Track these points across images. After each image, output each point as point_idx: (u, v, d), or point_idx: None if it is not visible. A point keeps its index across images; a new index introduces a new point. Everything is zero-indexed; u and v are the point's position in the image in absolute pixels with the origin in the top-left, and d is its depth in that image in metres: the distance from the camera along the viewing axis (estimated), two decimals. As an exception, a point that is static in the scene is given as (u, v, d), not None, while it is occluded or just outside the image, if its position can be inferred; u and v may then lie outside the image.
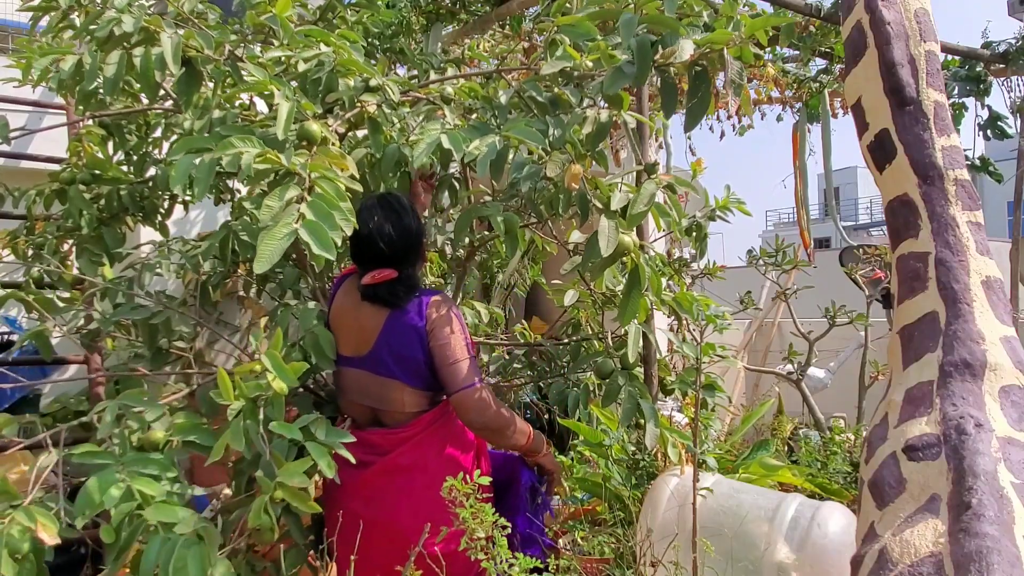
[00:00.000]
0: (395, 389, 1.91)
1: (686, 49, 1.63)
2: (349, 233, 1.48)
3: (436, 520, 1.77)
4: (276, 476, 1.59)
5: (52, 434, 1.74)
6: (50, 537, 1.47)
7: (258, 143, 1.55)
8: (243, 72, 1.96)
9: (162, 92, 2.18)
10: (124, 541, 1.53)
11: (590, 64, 1.85)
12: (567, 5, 2.10)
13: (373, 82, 1.91)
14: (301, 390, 2.09)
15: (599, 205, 1.84)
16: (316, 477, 1.70)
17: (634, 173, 2.16)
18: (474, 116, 2.14)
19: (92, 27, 1.86)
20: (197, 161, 1.59)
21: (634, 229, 1.86)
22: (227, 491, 2.35)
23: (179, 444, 1.71)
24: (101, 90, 1.95)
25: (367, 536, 1.70)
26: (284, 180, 1.52)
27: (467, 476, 1.62)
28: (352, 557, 1.64)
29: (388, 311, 1.91)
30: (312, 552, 1.88)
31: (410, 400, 1.91)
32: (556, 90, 1.92)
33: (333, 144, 1.68)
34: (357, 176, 1.63)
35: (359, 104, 1.90)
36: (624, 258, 1.83)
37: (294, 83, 1.94)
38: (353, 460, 1.69)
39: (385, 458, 1.89)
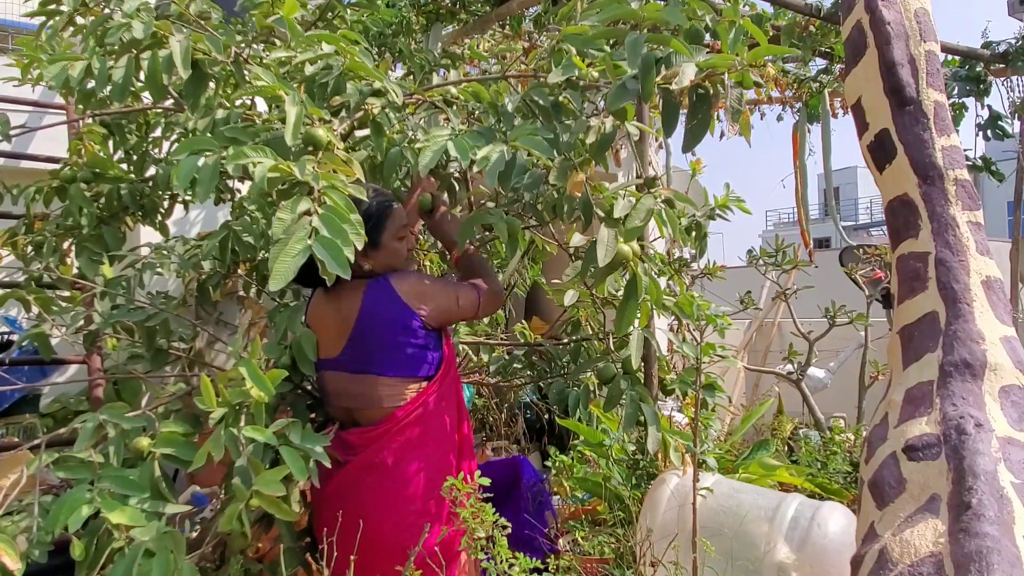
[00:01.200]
0: (368, 384, 1.89)
1: (688, 74, 1.62)
2: (360, 247, 1.48)
3: (412, 519, 1.77)
4: (252, 483, 1.58)
5: (48, 437, 1.73)
6: (12, 562, 1.45)
7: (271, 154, 1.55)
8: (245, 72, 1.95)
9: (162, 90, 2.18)
10: (93, 559, 1.53)
11: (595, 75, 1.85)
12: (573, 11, 2.10)
13: (378, 85, 1.91)
14: (299, 392, 2.08)
15: (601, 213, 1.84)
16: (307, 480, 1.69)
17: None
18: (475, 115, 2.14)
19: (98, 31, 1.85)
20: (201, 163, 1.58)
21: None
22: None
23: (160, 455, 1.69)
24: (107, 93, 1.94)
25: (348, 537, 1.69)
26: (295, 189, 1.52)
27: (467, 477, 1.62)
28: (352, 558, 1.63)
29: (360, 300, 1.88)
30: (308, 555, 1.88)
31: (385, 393, 1.89)
32: (561, 97, 1.91)
33: (338, 149, 1.67)
34: (363, 181, 1.62)
35: (364, 107, 1.90)
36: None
37: (296, 85, 1.93)
38: (328, 464, 1.69)
39: (359, 457, 1.89)
